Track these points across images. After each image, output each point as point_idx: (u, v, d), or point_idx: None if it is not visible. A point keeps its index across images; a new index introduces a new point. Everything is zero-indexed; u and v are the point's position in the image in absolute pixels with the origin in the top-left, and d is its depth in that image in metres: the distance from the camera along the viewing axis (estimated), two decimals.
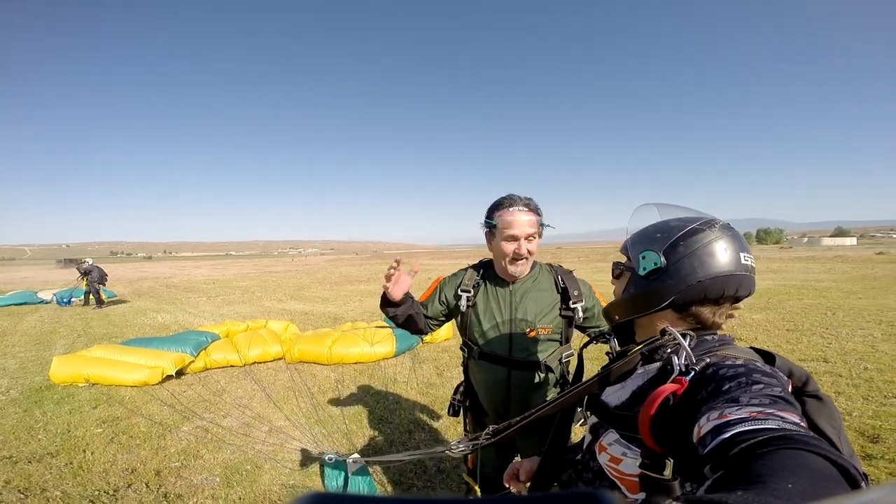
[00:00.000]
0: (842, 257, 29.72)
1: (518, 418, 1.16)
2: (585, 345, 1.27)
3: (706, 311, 0.87)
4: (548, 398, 1.75)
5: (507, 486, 1.43)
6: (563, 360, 1.76)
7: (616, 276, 1.02)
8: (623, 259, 1.01)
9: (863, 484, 0.42)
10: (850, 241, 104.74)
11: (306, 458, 3.25)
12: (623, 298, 0.96)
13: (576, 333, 1.81)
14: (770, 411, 0.55)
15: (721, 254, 0.84)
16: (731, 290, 0.84)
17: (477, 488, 1.62)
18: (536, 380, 1.71)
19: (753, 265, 0.87)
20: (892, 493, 0.23)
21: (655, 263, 0.88)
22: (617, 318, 0.99)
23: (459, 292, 1.78)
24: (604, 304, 1.78)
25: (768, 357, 0.80)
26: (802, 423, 0.55)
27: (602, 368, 1.12)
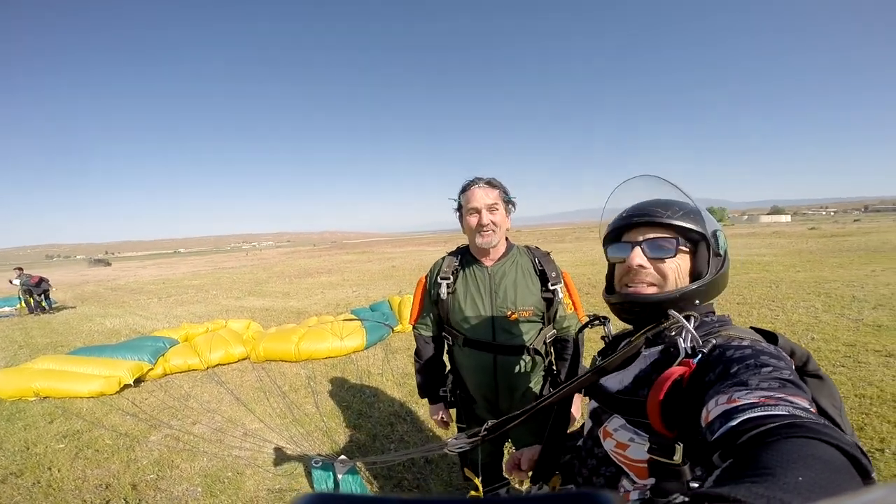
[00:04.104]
0: (779, 233, 31.75)
1: (518, 412, 1.12)
2: (581, 329, 1.26)
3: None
4: (532, 381, 1.78)
5: (506, 475, 1.43)
6: (548, 342, 1.79)
7: (673, 254, 0.86)
8: (650, 233, 0.88)
9: (873, 474, 0.42)
10: (786, 218, 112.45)
11: (289, 460, 3.17)
12: (708, 281, 0.85)
13: None
14: (780, 396, 0.55)
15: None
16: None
17: (478, 481, 1.64)
18: (523, 364, 1.73)
19: None
20: (893, 493, 0.24)
21: (724, 244, 0.89)
22: (698, 301, 0.85)
23: (439, 280, 1.79)
24: (575, 296, 1.82)
25: (770, 336, 0.80)
26: (812, 408, 0.54)
27: (598, 353, 1.12)
